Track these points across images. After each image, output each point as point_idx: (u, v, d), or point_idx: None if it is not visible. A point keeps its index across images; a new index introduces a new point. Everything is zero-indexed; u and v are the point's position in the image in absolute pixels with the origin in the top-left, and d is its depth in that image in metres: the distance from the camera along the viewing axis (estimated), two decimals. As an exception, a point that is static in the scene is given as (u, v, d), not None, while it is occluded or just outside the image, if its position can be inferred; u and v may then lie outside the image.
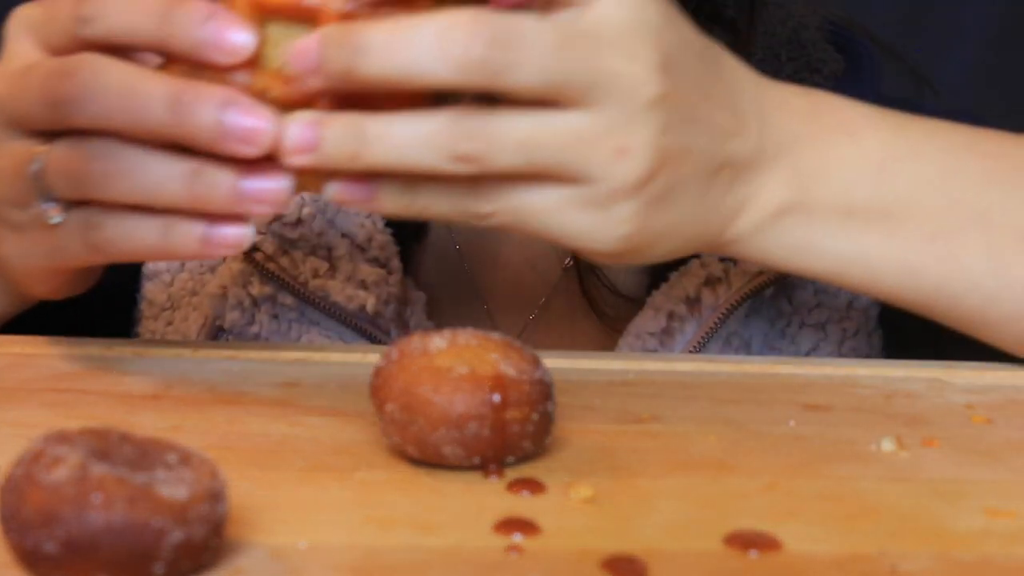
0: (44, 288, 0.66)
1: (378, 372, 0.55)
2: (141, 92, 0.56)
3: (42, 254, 0.62)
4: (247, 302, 0.81)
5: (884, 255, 0.66)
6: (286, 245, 0.82)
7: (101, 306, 0.80)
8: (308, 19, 0.57)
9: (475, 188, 0.57)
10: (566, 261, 0.85)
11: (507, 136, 0.56)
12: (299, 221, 0.82)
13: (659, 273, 0.83)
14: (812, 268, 0.66)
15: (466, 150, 0.55)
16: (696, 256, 0.81)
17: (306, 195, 0.81)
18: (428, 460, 0.54)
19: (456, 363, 0.54)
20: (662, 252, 0.62)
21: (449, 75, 0.55)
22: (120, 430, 0.48)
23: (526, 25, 0.55)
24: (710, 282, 0.81)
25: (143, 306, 0.85)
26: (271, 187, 0.57)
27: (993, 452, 0.59)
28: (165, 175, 0.57)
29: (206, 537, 0.45)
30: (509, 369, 0.54)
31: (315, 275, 0.81)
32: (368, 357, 0.68)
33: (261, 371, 0.66)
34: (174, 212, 0.58)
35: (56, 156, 0.59)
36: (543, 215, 0.58)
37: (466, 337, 0.56)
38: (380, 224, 0.82)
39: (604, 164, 0.57)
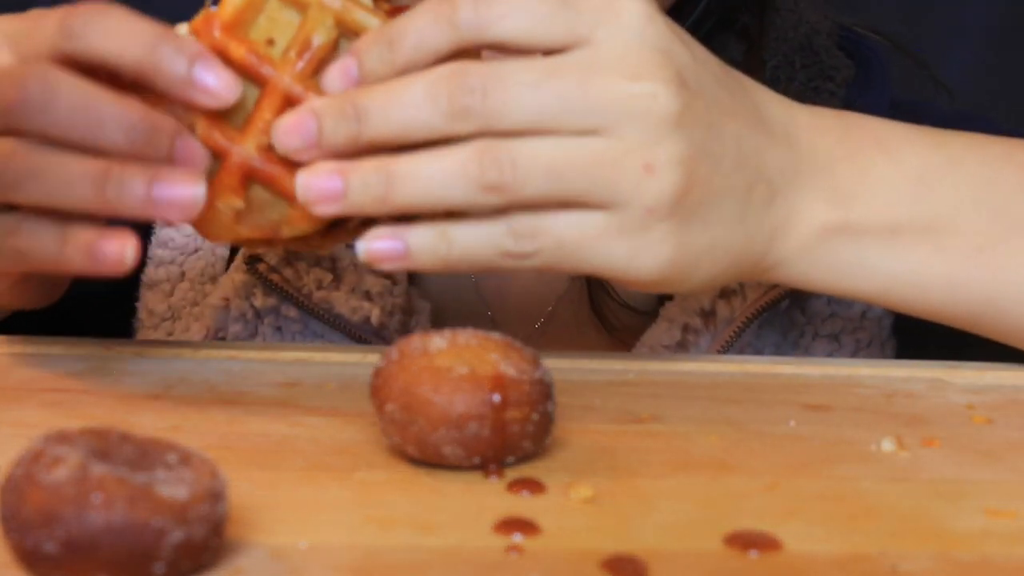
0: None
1: (378, 372, 0.55)
2: (95, 111, 0.56)
3: None
4: (250, 314, 0.80)
5: (932, 271, 0.65)
6: (290, 256, 0.81)
7: (98, 315, 0.80)
8: (257, 81, 0.59)
9: (513, 227, 0.57)
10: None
11: (533, 162, 0.56)
12: None
13: None
14: (860, 289, 0.66)
15: (494, 179, 0.56)
16: None
17: None
18: (428, 460, 0.54)
19: (456, 363, 0.54)
20: (705, 276, 0.62)
21: (445, 125, 0.56)
22: (120, 430, 0.48)
23: (507, 68, 0.56)
24: (725, 295, 0.81)
25: (142, 315, 0.84)
26: (184, 194, 0.56)
27: (993, 452, 0.59)
28: (76, 175, 0.56)
29: (206, 537, 0.45)
30: (509, 369, 0.54)
31: (319, 286, 0.81)
32: (368, 357, 0.68)
33: (261, 371, 0.66)
34: (81, 217, 0.57)
35: None
36: (584, 248, 0.58)
37: (466, 337, 0.56)
38: None
39: (633, 184, 0.57)
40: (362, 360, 0.68)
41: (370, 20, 0.59)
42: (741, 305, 0.80)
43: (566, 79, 0.57)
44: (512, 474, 0.54)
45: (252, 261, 0.80)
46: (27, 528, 0.44)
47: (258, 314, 0.81)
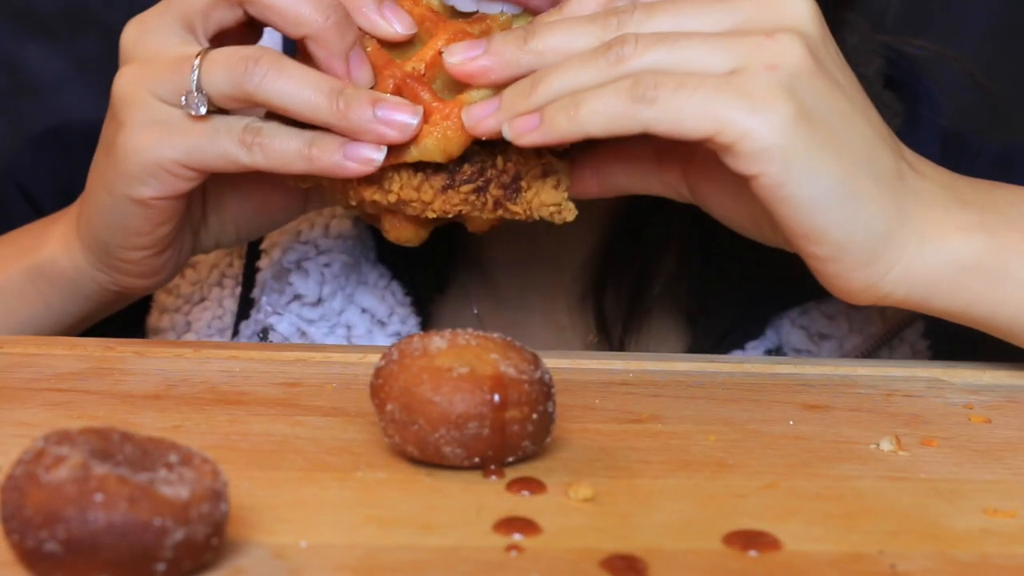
0: (147, 201, 0.68)
1: (378, 372, 0.55)
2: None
3: (183, 147, 0.66)
4: None
5: None
6: (303, 325, 0.81)
7: None
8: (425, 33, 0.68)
9: (637, 78, 0.60)
10: (590, 336, 0.84)
11: (651, 31, 0.61)
12: (319, 301, 0.81)
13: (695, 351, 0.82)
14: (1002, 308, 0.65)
15: (616, 52, 0.61)
16: (740, 349, 0.79)
17: (327, 272, 0.81)
18: (428, 460, 0.54)
19: (456, 363, 0.54)
20: (837, 170, 0.61)
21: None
22: (121, 430, 0.48)
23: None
24: None
25: None
26: (403, 118, 0.64)
27: (992, 452, 0.59)
28: (315, 85, 0.64)
29: (207, 536, 0.45)
30: (509, 369, 0.54)
31: None
32: (368, 357, 0.68)
33: (262, 371, 0.66)
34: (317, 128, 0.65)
35: (217, 54, 0.66)
36: (702, 97, 0.59)
37: (466, 337, 0.56)
38: (400, 295, 0.82)
39: (753, 46, 0.60)
40: (362, 360, 0.68)
41: None
42: None
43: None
44: (512, 474, 0.54)
45: (266, 331, 0.80)
46: (28, 527, 0.44)
47: None
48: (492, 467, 0.54)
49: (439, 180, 0.66)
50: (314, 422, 0.60)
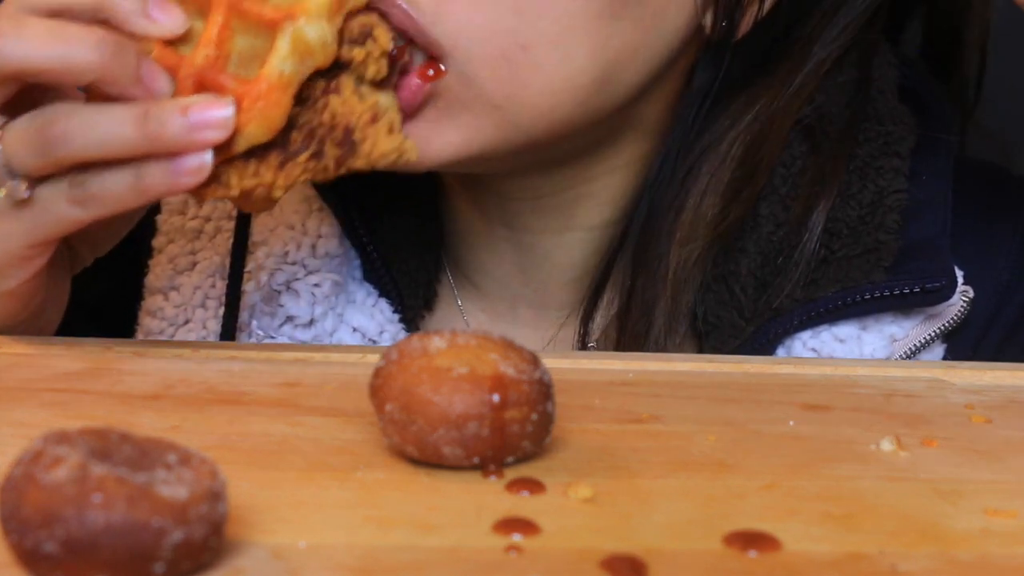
0: (15, 289, 0.67)
1: (378, 372, 0.55)
2: (62, 35, 0.62)
3: (21, 233, 0.65)
4: None
5: None
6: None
7: None
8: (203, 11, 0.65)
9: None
10: (576, 347, 0.84)
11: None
12: (311, 322, 0.81)
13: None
14: None
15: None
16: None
17: (317, 292, 0.81)
18: (428, 460, 0.54)
19: (456, 363, 0.54)
20: None
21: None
22: (120, 430, 0.48)
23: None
24: None
25: None
26: (219, 114, 0.62)
27: (993, 452, 0.59)
28: (118, 121, 0.62)
29: (206, 537, 0.45)
30: (508, 369, 0.54)
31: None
32: (368, 357, 0.68)
33: (261, 371, 0.66)
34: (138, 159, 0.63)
35: (13, 132, 0.64)
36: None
37: (465, 337, 0.56)
38: (389, 312, 0.82)
39: None
40: (362, 360, 0.68)
41: None
42: None
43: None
44: (512, 474, 0.54)
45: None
46: (27, 528, 0.44)
47: None
48: (492, 467, 0.54)
49: (274, 158, 0.65)
50: (314, 422, 0.60)
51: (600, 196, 0.82)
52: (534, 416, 0.54)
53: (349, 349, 0.71)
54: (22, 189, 0.64)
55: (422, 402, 0.53)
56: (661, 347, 0.80)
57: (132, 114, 0.62)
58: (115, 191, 0.63)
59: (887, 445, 0.59)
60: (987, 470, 0.57)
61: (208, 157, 0.62)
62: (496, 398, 0.53)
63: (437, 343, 0.55)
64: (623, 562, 0.48)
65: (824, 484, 0.55)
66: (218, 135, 0.62)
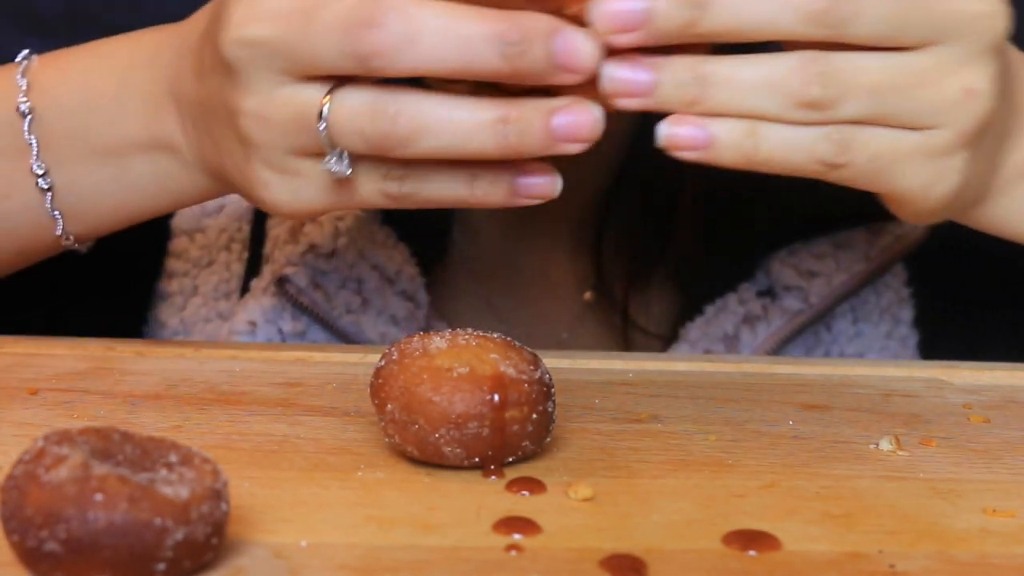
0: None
1: (378, 372, 0.56)
2: (464, 38, 0.53)
3: (323, 199, 0.59)
4: (276, 339, 0.79)
5: None
6: (318, 277, 0.79)
7: (106, 323, 0.79)
8: None
9: (830, 135, 0.55)
10: (585, 295, 0.84)
11: (857, 80, 0.54)
12: (334, 252, 0.79)
13: (687, 310, 0.81)
14: None
15: (816, 95, 0.54)
16: (733, 291, 0.80)
17: (340, 225, 0.80)
18: (428, 460, 0.54)
19: (456, 363, 0.54)
20: (946, 212, 0.61)
21: (794, 27, 0.53)
22: (122, 429, 0.48)
23: None
24: (749, 320, 0.80)
25: (152, 327, 0.83)
26: (585, 119, 0.54)
27: (991, 452, 0.59)
28: (474, 126, 0.54)
29: (207, 536, 0.45)
30: (509, 369, 0.54)
31: (348, 310, 0.79)
32: (368, 357, 0.68)
33: (262, 371, 0.66)
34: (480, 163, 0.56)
35: (346, 110, 0.55)
36: (893, 166, 0.56)
37: (466, 337, 0.56)
38: (407, 254, 0.81)
39: (952, 106, 0.56)
40: (362, 360, 0.68)
41: None
42: (766, 331, 0.79)
43: None
44: (512, 474, 0.54)
45: (281, 282, 0.79)
46: (29, 527, 0.44)
47: (284, 338, 0.79)
48: (492, 467, 0.54)
49: None
50: (314, 422, 0.60)
51: None
52: (534, 416, 0.54)
53: (349, 349, 0.71)
54: (346, 168, 0.56)
55: (423, 402, 0.53)
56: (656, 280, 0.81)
57: (490, 119, 0.54)
58: (440, 195, 0.57)
59: (886, 445, 0.59)
60: (985, 470, 0.57)
61: (557, 186, 0.56)
62: (496, 398, 0.53)
63: (437, 343, 0.55)
64: (623, 561, 0.48)
65: (823, 484, 0.55)
66: (582, 147, 0.54)
